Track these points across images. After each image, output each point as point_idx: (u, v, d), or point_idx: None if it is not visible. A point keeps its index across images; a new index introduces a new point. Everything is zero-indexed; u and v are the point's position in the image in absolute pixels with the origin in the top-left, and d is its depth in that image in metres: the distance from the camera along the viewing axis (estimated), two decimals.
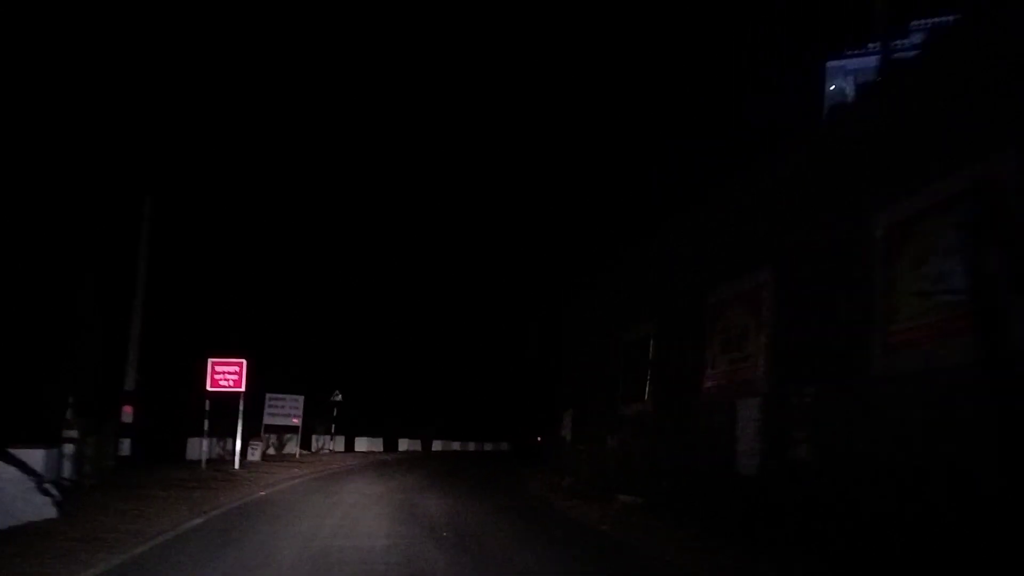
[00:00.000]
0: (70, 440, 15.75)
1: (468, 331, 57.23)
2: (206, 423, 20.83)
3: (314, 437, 33.35)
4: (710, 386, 13.44)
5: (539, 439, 59.59)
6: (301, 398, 28.83)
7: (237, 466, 20.76)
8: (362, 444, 40.80)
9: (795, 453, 10.24)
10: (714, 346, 13.50)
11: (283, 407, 28.22)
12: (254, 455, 25.11)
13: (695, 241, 15.06)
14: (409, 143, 61.34)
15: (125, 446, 18.17)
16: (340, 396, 34.03)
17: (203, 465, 19.77)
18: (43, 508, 10.28)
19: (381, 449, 43.16)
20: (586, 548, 10.63)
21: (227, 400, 21.27)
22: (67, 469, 14.62)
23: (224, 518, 11.84)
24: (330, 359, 36.37)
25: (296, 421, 28.77)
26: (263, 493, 15.74)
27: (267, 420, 27.73)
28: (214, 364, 20.74)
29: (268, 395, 27.74)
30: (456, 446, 55.10)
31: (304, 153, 39.84)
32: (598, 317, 22.94)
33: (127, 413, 18.56)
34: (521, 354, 55.19)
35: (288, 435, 28.95)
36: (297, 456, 29.15)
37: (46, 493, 10.72)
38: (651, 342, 16.57)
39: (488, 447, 59.85)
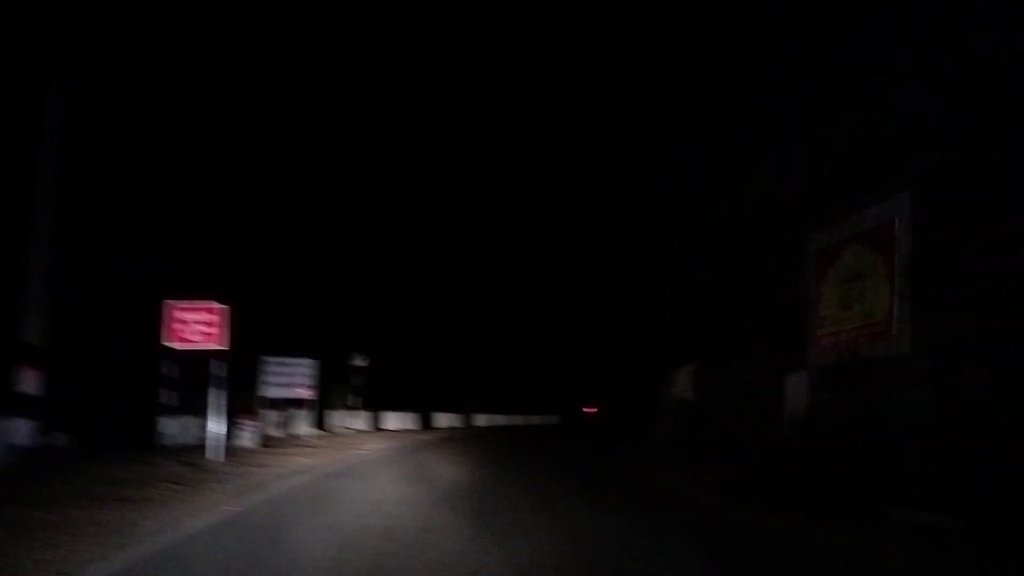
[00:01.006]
0: None
1: (511, 286, 49.80)
2: (169, 394, 14.35)
3: (335, 413, 26.67)
4: None
5: (596, 410, 52.59)
6: (313, 363, 22.05)
7: (221, 456, 14.15)
8: (393, 421, 33.90)
9: None
10: None
11: (288, 374, 21.47)
12: (252, 438, 18.59)
13: None
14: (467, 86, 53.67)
15: (24, 431, 11.65)
16: (365, 361, 27.15)
17: (168, 455, 13.37)
18: None
19: (417, 427, 36.48)
20: None
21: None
22: None
23: None
24: (350, 314, 28.71)
25: (305, 393, 21.97)
26: (235, 509, 9.05)
27: (267, 392, 21.03)
28: (174, 310, 14.11)
29: (267, 359, 21.03)
30: (502, 420, 48.52)
31: (340, 64, 31.76)
32: (740, 232, 16.04)
33: (30, 380, 12.03)
34: (580, 309, 48.28)
35: (294, 410, 22.27)
36: (312, 439, 22.61)
37: None
38: (897, 231, 9.54)
39: (536, 420, 53.33)
